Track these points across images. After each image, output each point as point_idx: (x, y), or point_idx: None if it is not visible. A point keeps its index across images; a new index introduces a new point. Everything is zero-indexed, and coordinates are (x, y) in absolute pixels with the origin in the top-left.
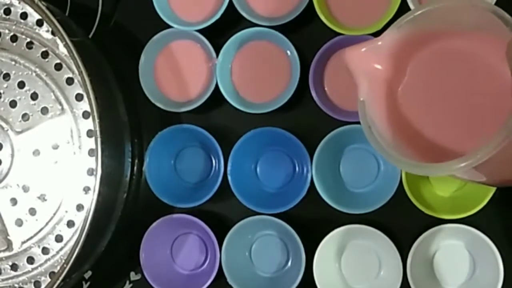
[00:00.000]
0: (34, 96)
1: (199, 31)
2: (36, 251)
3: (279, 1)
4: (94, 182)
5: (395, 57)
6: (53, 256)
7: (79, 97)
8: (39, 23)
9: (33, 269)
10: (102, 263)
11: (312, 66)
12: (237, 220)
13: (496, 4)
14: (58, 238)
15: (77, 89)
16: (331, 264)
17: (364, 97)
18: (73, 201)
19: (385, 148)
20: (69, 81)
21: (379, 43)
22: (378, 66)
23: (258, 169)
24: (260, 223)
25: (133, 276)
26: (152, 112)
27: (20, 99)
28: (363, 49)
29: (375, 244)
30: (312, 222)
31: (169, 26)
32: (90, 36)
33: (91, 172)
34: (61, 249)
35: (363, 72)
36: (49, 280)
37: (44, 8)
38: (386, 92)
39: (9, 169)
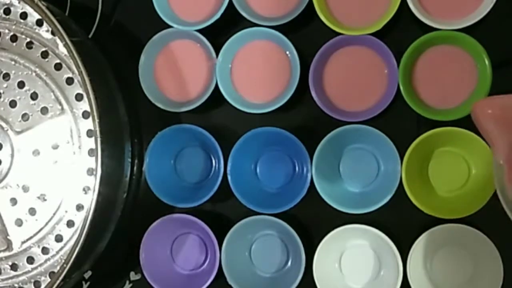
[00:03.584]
0: (34, 96)
1: (199, 31)
2: (36, 251)
3: (279, 1)
4: (94, 182)
5: None
6: (53, 256)
7: (79, 97)
8: (39, 23)
9: (33, 269)
10: (102, 263)
11: (312, 66)
12: (237, 220)
13: (495, 4)
14: (58, 238)
15: (77, 89)
16: (331, 264)
17: (504, 160)
18: (73, 201)
19: None
20: (69, 81)
21: None
22: None
23: (258, 169)
24: (260, 223)
25: (133, 276)
26: (152, 112)
27: (20, 99)
28: (500, 104)
29: (375, 244)
30: (312, 222)
31: (169, 26)
32: (90, 36)
33: (91, 172)
34: (61, 249)
35: (502, 132)
36: (49, 280)
37: (44, 8)
38: None
39: (9, 169)
